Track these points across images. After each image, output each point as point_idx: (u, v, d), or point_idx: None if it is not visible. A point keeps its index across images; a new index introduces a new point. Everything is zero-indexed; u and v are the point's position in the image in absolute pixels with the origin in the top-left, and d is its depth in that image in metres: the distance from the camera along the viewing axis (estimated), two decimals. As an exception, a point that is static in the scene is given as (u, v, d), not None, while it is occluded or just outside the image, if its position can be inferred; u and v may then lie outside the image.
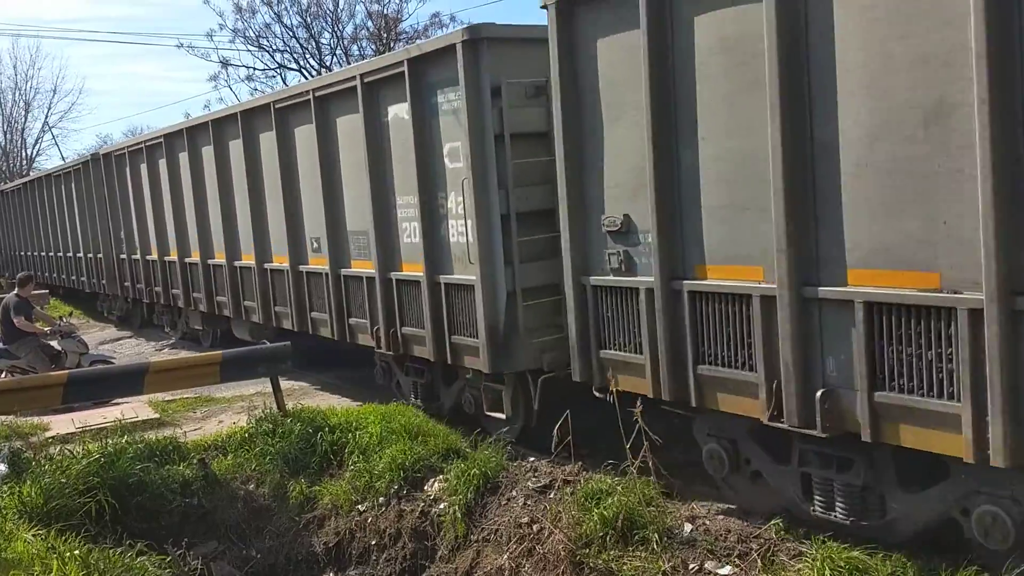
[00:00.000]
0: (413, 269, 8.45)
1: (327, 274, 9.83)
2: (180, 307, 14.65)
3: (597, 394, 6.31)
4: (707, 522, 5.50)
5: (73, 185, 19.12)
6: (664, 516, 5.46)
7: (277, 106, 10.48)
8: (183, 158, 13.34)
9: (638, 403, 5.65)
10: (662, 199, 5.64)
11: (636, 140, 5.75)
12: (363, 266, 9.28)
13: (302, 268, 10.51)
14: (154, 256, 15.13)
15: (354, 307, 9.55)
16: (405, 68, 7.94)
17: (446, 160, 7.82)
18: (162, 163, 14.16)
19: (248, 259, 11.79)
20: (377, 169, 8.69)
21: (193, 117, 15.70)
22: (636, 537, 5.28)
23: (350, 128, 9.11)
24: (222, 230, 12.33)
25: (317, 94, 9.56)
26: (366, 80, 8.61)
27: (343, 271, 9.65)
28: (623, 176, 6.00)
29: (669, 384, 5.75)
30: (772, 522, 5.27)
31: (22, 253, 25.21)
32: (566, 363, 6.72)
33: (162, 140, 14.03)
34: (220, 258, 12.57)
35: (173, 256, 14.32)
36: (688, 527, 5.40)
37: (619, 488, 5.57)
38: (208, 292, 13.23)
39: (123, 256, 16.81)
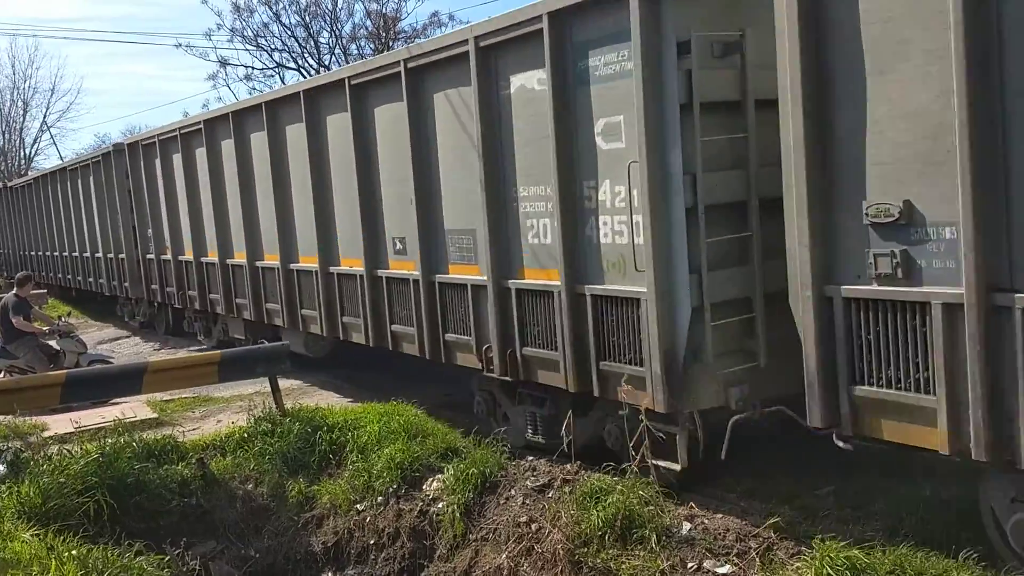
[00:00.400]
0: (541, 276, 6.85)
1: (416, 281, 8.30)
2: (217, 313, 13.09)
3: (840, 444, 4.99)
4: (705, 521, 5.50)
5: (91, 179, 17.55)
6: (662, 515, 5.46)
7: (353, 82, 8.77)
8: (226, 146, 11.70)
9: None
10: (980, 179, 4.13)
11: (927, 94, 4.34)
12: (466, 271, 7.70)
13: (380, 273, 8.94)
14: (188, 256, 13.62)
15: (452, 321, 7.97)
16: (544, 23, 6.27)
17: (599, 140, 6.16)
18: (199, 152, 12.55)
19: (308, 261, 10.18)
20: (492, 154, 7.08)
21: (243, 100, 13.92)
22: (635, 536, 5.28)
23: (454, 104, 7.52)
24: (275, 228, 10.73)
25: (409, 65, 7.90)
26: (481, 44, 6.95)
27: (438, 277, 8.06)
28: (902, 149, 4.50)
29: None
30: (771, 520, 5.26)
31: (30, 253, 24.16)
32: (758, 399, 5.58)
33: (201, 126, 12.39)
34: (271, 260, 10.99)
35: (212, 257, 12.69)
36: (687, 526, 5.40)
37: (618, 488, 5.57)
38: (255, 298, 11.55)
39: (150, 256, 15.31)
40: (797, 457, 6.23)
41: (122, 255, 16.62)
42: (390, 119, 8.44)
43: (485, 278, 7.37)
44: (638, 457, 5.54)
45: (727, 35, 5.52)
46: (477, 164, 7.20)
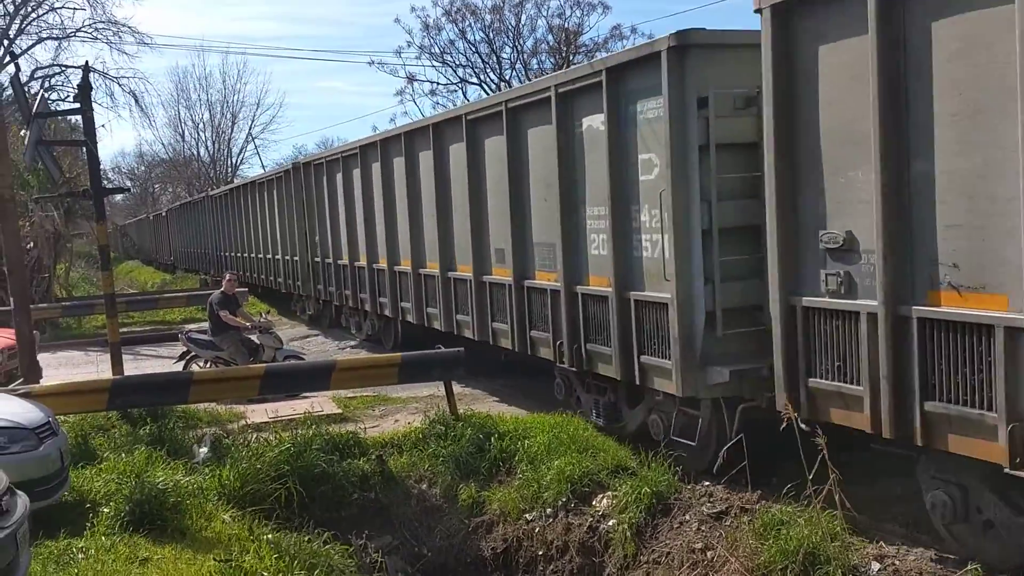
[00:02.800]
0: (600, 283, 8.21)
1: (510, 285, 9.80)
2: (366, 310, 15.32)
3: (804, 427, 5.61)
4: (896, 562, 5.13)
5: (275, 192, 20.53)
6: (849, 553, 5.14)
7: (469, 118, 10.56)
8: (375, 168, 13.83)
9: (819, 432, 5.34)
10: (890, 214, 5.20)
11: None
12: (546, 278, 9.19)
13: (485, 279, 10.54)
14: (345, 261, 15.85)
15: (536, 319, 9.44)
16: (603, 77, 7.73)
17: (640, 171, 7.56)
18: (355, 173, 14.83)
19: (433, 267, 11.98)
20: (567, 179, 8.58)
21: (385, 129, 16.60)
22: (818, 573, 4.99)
23: (541, 138, 9.05)
24: (409, 238, 12.68)
25: (510, 105, 9.56)
26: (560, 91, 8.49)
27: (526, 282, 9.58)
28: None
29: (892, 420, 5.25)
30: (970, 567, 4.83)
31: (226, 254, 27.33)
32: (767, 391, 6.30)
33: (357, 151, 14.65)
34: (406, 265, 12.97)
35: (362, 262, 14.90)
36: (876, 566, 5.06)
37: (800, 520, 5.29)
38: (394, 296, 13.67)
39: (316, 260, 17.65)
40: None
41: (296, 257, 19.08)
42: (494, 149, 10.11)
43: (559, 283, 8.80)
44: (825, 488, 5.22)
45: (745, 91, 6.74)
46: (556, 187, 8.69)
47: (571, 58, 32.39)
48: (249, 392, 9.21)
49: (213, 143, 53.05)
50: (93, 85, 13.00)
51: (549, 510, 6.99)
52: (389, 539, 7.49)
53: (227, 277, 12.56)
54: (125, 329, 18.17)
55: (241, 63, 66.18)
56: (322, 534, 6.26)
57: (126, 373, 10.76)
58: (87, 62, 12.98)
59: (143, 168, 63.61)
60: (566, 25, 33.98)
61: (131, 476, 6.65)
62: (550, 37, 34.47)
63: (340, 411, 10.19)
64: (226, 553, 5.66)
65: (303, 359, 12.34)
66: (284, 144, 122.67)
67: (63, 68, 34.33)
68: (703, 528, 5.87)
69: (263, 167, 46.19)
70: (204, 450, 7.98)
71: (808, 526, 5.21)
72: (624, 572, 6.13)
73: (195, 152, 53.65)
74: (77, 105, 11.11)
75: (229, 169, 52.84)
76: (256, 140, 52.96)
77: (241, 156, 54.06)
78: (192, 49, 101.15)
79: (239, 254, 25.42)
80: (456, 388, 9.62)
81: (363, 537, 6.86)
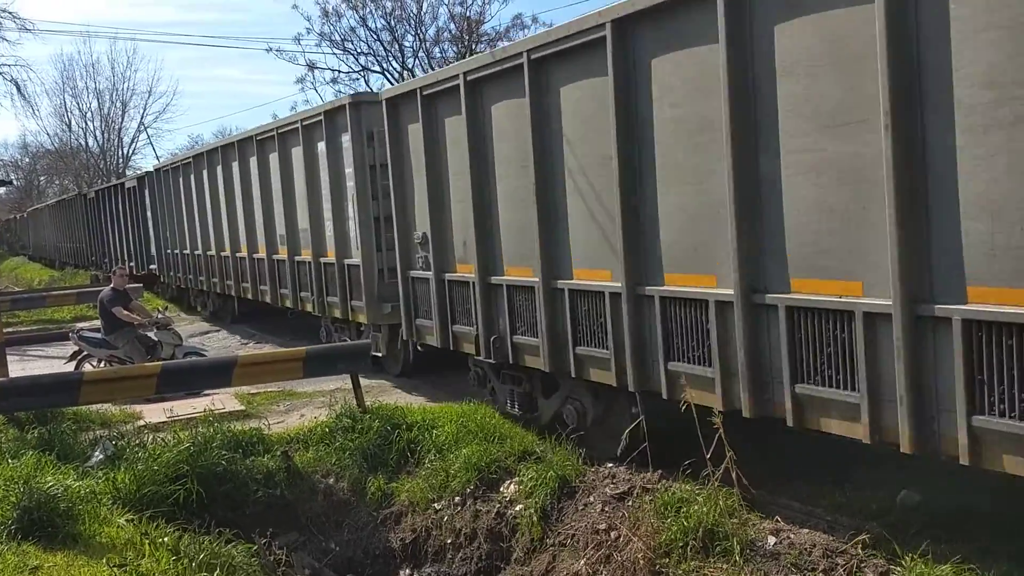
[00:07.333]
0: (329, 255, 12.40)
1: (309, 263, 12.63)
2: (218, 293, 17.75)
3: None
4: (791, 535, 5.34)
5: (145, 192, 22.06)
6: (746, 528, 5.34)
7: (280, 131, 13.30)
8: (217, 171, 16.30)
9: (717, 413, 5.53)
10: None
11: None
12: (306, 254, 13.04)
13: (296, 259, 13.14)
14: (187, 251, 18.80)
15: (330, 288, 12.30)
16: (322, 117, 12.04)
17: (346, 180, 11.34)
18: (194, 177, 17.38)
19: (262, 252, 14.51)
20: (312, 185, 12.84)
21: (221, 139, 19.52)
22: (717, 548, 5.17)
23: (303, 153, 12.63)
24: (244, 229, 15.38)
25: (305, 124, 11.75)
26: (305, 124, 12.84)
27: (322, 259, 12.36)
28: None
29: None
30: (859, 537, 5.09)
31: (112, 250, 26.68)
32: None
33: (191, 161, 17.46)
34: (243, 251, 15.66)
35: (210, 251, 17.49)
36: (772, 540, 5.26)
37: (699, 498, 5.47)
38: (234, 278, 16.19)
39: (176, 252, 19.52)
40: (888, 473, 6.02)
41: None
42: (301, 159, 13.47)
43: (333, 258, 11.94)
44: (722, 467, 5.41)
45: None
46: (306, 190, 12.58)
47: (473, 47, 32.31)
48: (145, 391, 8.88)
49: (103, 133, 50.87)
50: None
51: (457, 498, 7.02)
52: (295, 535, 7.38)
53: (117, 272, 12.06)
54: (10, 329, 17.30)
55: (131, 49, 63.35)
56: (224, 534, 6.11)
57: (12, 375, 10.23)
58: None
59: (27, 160, 60.48)
60: (467, 14, 33.89)
61: (19, 482, 6.33)
62: (452, 25, 34.31)
63: (243, 408, 9.96)
64: (121, 558, 5.46)
65: (205, 355, 11.97)
66: (179, 134, 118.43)
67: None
68: (607, 509, 6.00)
69: (157, 157, 44.38)
70: (98, 455, 7.67)
71: (707, 504, 5.39)
72: (531, 555, 6.22)
73: (83, 143, 51.26)
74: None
75: (121, 160, 50.72)
76: (149, 130, 50.97)
77: (133, 146, 51.99)
78: (78, 35, 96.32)
79: (125, 251, 25.04)
80: (364, 380, 9.53)
81: (267, 535, 6.73)
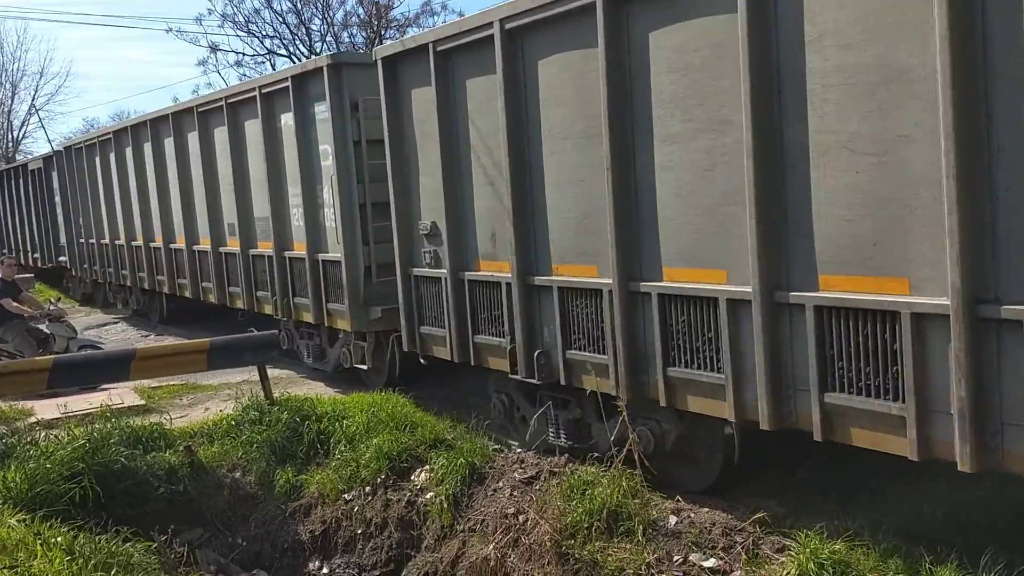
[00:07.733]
0: (300, 248, 10.75)
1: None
2: (130, 286, 16.45)
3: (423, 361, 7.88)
4: (692, 515, 5.52)
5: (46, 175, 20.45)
6: (649, 508, 5.49)
7: (200, 110, 11.97)
8: (128, 153, 13.80)
9: (622, 399, 5.66)
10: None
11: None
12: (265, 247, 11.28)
13: (221, 250, 12.16)
14: (107, 240, 15.91)
15: (260, 282, 11.41)
16: (289, 83, 9.91)
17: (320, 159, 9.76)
18: (112, 157, 14.67)
19: (181, 243, 13.12)
20: (273, 165, 10.85)
21: (133, 117, 17.01)
22: (621, 529, 5.31)
23: (253, 130, 10.99)
24: (159, 217, 13.97)
25: (230, 101, 10.79)
26: (263, 91, 10.69)
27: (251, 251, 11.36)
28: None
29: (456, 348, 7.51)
30: (757, 515, 5.30)
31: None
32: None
33: (111, 136, 14.37)
34: (159, 241, 14.19)
35: (121, 240, 15.21)
36: (673, 519, 5.42)
37: (604, 480, 5.59)
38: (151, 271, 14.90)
39: (82, 240, 17.90)
40: (788, 456, 6.26)
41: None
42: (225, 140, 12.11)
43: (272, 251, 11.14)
44: (624, 449, 5.56)
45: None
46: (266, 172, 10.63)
47: (383, 32, 31.91)
48: (37, 386, 8.45)
49: (-9, 116, 48.05)
50: None
51: (368, 488, 6.98)
52: (200, 532, 7.20)
53: (5, 261, 11.49)
54: None
55: (21, 29, 59.99)
56: (122, 532, 5.92)
57: None
58: None
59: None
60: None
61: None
62: (360, 10, 33.77)
63: (143, 402, 9.64)
64: (11, 559, 5.22)
65: (101, 348, 11.53)
66: (74, 116, 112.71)
67: None
68: (515, 493, 6.07)
69: (49, 141, 42.27)
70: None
71: (611, 486, 5.52)
72: (441, 542, 6.24)
73: (-32, 126, 48.31)
74: None
75: (11, 144, 48.15)
76: (40, 112, 48.48)
77: (24, 130, 49.39)
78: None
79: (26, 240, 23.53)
80: (272, 372, 9.35)
81: (168, 532, 6.55)
